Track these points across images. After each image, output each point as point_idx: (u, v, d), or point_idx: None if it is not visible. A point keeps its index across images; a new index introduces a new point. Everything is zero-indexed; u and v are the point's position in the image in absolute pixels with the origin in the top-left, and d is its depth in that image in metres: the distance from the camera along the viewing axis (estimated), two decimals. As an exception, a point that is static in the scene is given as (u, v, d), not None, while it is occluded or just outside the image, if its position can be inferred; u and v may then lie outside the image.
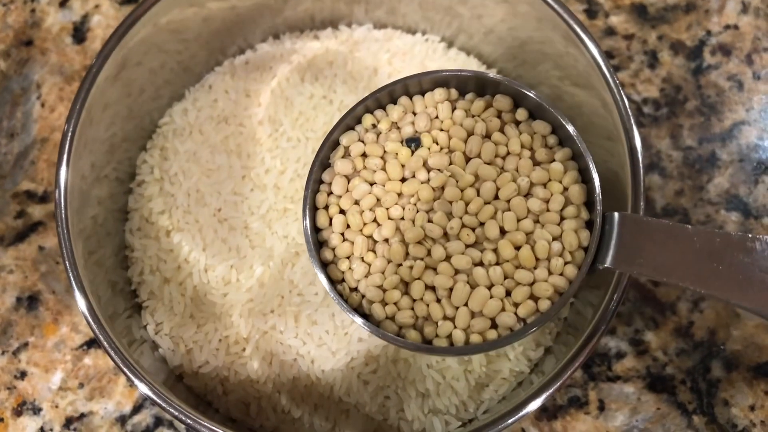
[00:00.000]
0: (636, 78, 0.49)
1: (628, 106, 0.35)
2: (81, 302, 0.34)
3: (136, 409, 0.42)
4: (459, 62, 0.45)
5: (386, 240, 0.33)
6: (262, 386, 0.37)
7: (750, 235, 0.28)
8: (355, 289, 0.33)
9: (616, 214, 0.31)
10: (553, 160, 0.33)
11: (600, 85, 0.36)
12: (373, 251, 0.33)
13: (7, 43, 0.49)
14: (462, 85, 0.35)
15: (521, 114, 0.34)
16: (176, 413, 0.33)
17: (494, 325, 0.32)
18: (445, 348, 0.32)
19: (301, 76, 0.43)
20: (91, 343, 0.43)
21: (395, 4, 0.44)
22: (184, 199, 0.40)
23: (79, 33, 0.50)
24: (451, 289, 0.32)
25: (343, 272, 0.33)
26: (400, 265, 0.32)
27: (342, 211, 0.34)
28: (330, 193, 0.34)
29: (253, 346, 0.38)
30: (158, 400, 0.33)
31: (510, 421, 0.32)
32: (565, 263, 0.32)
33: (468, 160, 0.34)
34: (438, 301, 0.32)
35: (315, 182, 0.34)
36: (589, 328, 0.33)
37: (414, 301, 0.32)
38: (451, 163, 0.33)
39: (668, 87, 0.49)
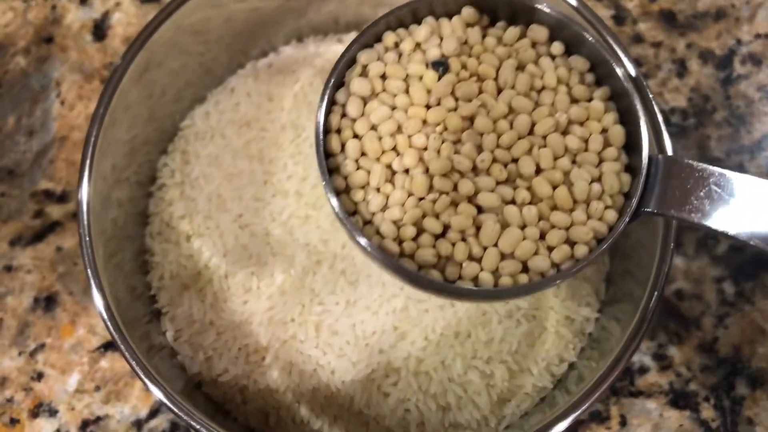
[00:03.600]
0: (664, 87, 0.48)
1: (660, 120, 0.34)
2: (99, 304, 0.33)
3: (153, 413, 0.42)
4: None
5: (407, 171, 0.30)
6: (281, 396, 0.37)
7: None
8: (370, 222, 0.30)
9: (661, 157, 0.29)
10: (592, 98, 0.31)
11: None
12: (392, 182, 0.30)
13: (28, 39, 0.49)
14: (493, 11, 0.32)
15: (557, 48, 0.32)
16: (190, 421, 0.33)
17: (525, 270, 0.29)
18: (471, 290, 0.29)
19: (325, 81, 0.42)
20: (108, 346, 0.43)
21: (419, 7, 0.44)
22: (205, 203, 0.40)
23: (100, 31, 0.49)
24: (479, 229, 0.29)
25: (356, 203, 0.30)
26: (422, 198, 0.29)
27: (356, 136, 0.31)
28: (344, 116, 0.31)
29: (273, 355, 0.37)
30: (173, 407, 0.33)
31: None
32: (606, 207, 0.29)
33: (500, 90, 0.31)
34: (464, 240, 0.29)
35: (328, 103, 0.31)
36: (619, 347, 0.32)
37: (436, 239, 0.29)
38: (481, 92, 0.31)
39: (696, 97, 0.48)
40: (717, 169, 0.28)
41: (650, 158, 0.30)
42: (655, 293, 0.34)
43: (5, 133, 0.47)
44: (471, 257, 0.29)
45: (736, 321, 0.44)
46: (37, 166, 0.46)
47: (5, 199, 0.46)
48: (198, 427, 0.33)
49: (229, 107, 0.42)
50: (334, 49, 0.44)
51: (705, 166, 0.29)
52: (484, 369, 0.37)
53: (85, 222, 0.33)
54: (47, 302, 0.44)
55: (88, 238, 0.33)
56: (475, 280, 0.29)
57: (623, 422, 0.42)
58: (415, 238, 0.30)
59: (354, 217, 0.30)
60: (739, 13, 0.50)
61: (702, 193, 0.28)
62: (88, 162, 0.34)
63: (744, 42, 0.49)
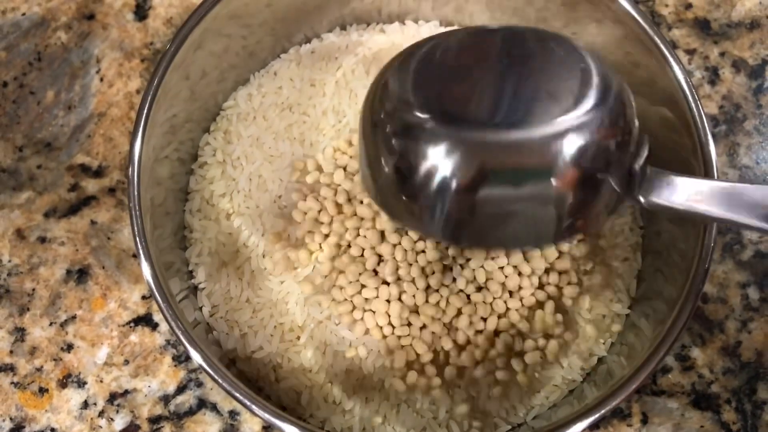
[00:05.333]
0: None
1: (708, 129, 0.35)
2: (147, 272, 0.34)
3: (180, 389, 0.42)
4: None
5: None
6: (314, 376, 0.37)
7: None
8: None
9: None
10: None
11: (680, 103, 0.36)
12: None
13: (70, 15, 0.49)
14: None
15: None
16: (229, 388, 0.33)
17: None
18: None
19: (366, 69, 0.43)
20: (138, 321, 0.43)
21: (462, 2, 0.44)
22: (245, 183, 0.40)
23: (141, 10, 0.50)
24: None
25: None
26: None
27: None
28: None
29: (308, 334, 0.38)
30: (211, 372, 0.33)
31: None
32: None
33: None
34: None
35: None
36: (652, 346, 0.33)
37: None
38: None
39: (728, 105, 0.49)
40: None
41: None
42: (692, 296, 0.34)
43: (44, 106, 0.47)
44: None
45: (759, 326, 0.44)
46: (75, 141, 0.47)
47: (42, 172, 0.46)
48: (236, 394, 0.33)
49: (272, 90, 0.43)
50: (376, 38, 0.44)
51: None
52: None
53: (135, 193, 0.34)
54: (80, 275, 0.44)
55: (138, 210, 0.33)
56: None
57: (645, 420, 0.42)
58: None
59: None
60: (773, 24, 0.51)
61: None
62: (140, 136, 0.35)
63: (776, 53, 0.50)
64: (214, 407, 0.42)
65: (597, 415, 0.33)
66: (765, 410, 0.43)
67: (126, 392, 0.42)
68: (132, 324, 0.43)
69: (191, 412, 0.42)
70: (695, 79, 0.49)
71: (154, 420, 0.42)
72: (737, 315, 0.44)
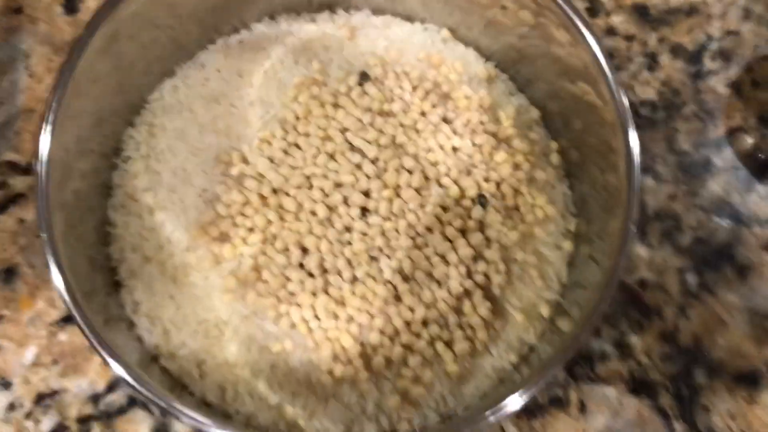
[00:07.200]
0: (634, 79, 0.49)
1: (627, 106, 0.35)
2: (56, 276, 0.33)
3: (110, 387, 0.41)
4: (458, 54, 0.44)
5: None
6: (239, 371, 0.37)
7: None
8: None
9: None
10: None
11: (599, 82, 0.36)
12: None
13: (-4, 9, 0.48)
14: None
15: None
16: (149, 395, 0.32)
17: None
18: None
19: (296, 59, 0.42)
20: (68, 319, 0.42)
21: (394, -10, 0.44)
22: (169, 177, 0.39)
23: (71, 3, 0.48)
24: None
25: None
26: None
27: None
28: None
29: (233, 330, 0.37)
30: (131, 381, 0.32)
31: (490, 418, 0.32)
32: None
33: None
34: None
35: None
36: (577, 328, 0.32)
37: None
38: None
39: (666, 90, 0.49)
40: None
41: None
42: (614, 279, 0.34)
43: (-29, 102, 0.46)
44: None
45: (697, 312, 0.44)
46: (2, 137, 0.46)
47: (-32, 169, 0.45)
48: (155, 400, 0.32)
49: (198, 82, 0.42)
50: (306, 28, 0.43)
51: None
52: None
53: (44, 193, 0.33)
54: (7, 274, 0.43)
55: (45, 206, 0.33)
56: None
57: (582, 408, 0.42)
58: None
59: None
60: (711, 9, 0.51)
61: None
62: (48, 129, 0.34)
63: (715, 38, 0.50)
64: (144, 406, 0.41)
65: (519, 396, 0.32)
66: (702, 395, 0.42)
67: (54, 393, 0.41)
68: (61, 323, 0.42)
69: (122, 411, 0.41)
70: (634, 65, 0.49)
71: (83, 420, 0.41)
72: (675, 301, 0.44)
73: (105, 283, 0.38)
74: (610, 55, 0.49)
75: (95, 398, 0.41)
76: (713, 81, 0.49)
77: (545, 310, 0.39)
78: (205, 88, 0.42)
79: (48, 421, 0.41)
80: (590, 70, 0.35)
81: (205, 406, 0.37)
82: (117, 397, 0.41)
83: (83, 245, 0.38)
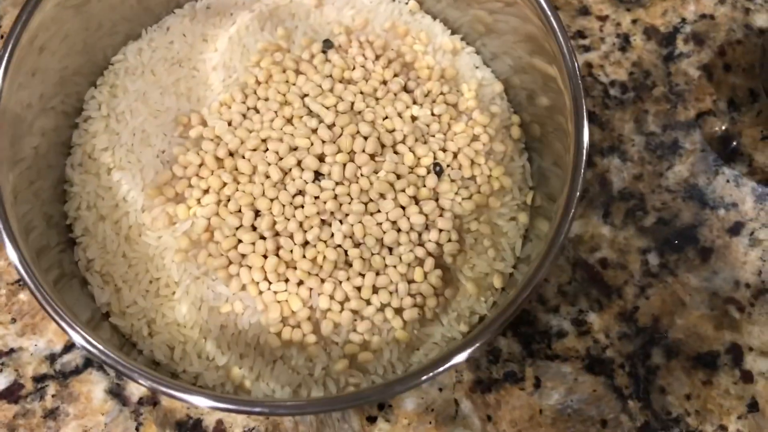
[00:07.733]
0: (606, 60, 0.49)
1: (579, 73, 0.35)
2: (7, 243, 0.33)
3: (67, 348, 0.42)
4: (424, 25, 0.44)
5: None
6: (188, 331, 0.37)
7: None
8: None
9: None
10: None
11: (555, 55, 0.36)
12: None
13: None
14: None
15: None
16: (99, 354, 0.32)
17: None
18: None
19: (261, 25, 0.42)
20: (28, 279, 0.42)
21: (363, -44, 0.43)
22: (128, 137, 0.39)
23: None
24: None
25: None
26: None
27: None
28: None
29: (183, 290, 0.37)
30: (83, 342, 0.32)
31: (431, 374, 0.32)
32: None
33: None
34: None
35: None
36: (524, 281, 0.33)
37: None
38: None
39: (637, 71, 0.48)
40: None
41: None
42: (554, 247, 0.34)
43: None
44: None
45: (657, 292, 0.44)
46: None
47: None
48: (104, 359, 0.32)
49: (163, 45, 0.42)
50: (274, -6, 0.43)
51: None
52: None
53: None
54: (-31, 232, 0.43)
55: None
56: None
57: (537, 384, 0.42)
58: None
59: None
60: (687, -7, 0.50)
61: None
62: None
63: (689, 21, 0.50)
64: (101, 367, 0.41)
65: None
66: (658, 375, 0.42)
67: (11, 351, 0.42)
68: (21, 282, 0.42)
69: (77, 371, 0.41)
70: (606, 46, 0.49)
71: (39, 379, 0.41)
72: (636, 281, 0.44)
73: (60, 240, 0.38)
74: (582, 35, 0.49)
75: (52, 358, 0.41)
76: (685, 64, 0.49)
77: (498, 282, 0.39)
78: (169, 51, 0.42)
79: (3, 379, 0.41)
80: (556, 56, 0.35)
81: (153, 365, 0.37)
82: (73, 357, 0.41)
83: (40, 202, 0.38)
